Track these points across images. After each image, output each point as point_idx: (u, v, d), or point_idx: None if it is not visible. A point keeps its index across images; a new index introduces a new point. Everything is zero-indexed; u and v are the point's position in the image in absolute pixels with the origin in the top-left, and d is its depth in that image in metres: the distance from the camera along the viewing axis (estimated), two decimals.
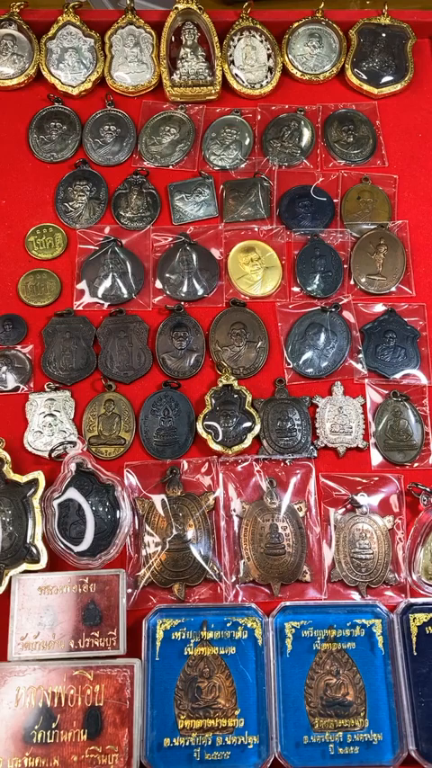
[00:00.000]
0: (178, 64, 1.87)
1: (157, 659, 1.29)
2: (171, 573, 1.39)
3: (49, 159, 1.82)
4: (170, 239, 1.72)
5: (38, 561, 1.35)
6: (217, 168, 1.82)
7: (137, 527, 1.43)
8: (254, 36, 1.91)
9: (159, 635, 1.30)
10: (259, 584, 1.40)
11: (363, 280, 1.68)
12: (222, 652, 1.29)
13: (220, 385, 1.54)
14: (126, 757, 1.20)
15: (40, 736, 1.21)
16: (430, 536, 1.40)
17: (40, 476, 1.40)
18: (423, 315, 1.65)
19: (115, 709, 1.22)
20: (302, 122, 1.85)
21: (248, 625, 1.31)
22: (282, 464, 1.49)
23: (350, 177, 1.80)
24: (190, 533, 1.41)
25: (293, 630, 1.31)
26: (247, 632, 1.31)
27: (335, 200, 1.76)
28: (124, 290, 1.66)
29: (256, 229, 1.73)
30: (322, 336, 1.61)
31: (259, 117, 1.86)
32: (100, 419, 1.54)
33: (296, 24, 1.91)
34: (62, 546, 1.37)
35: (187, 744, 1.24)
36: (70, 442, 1.46)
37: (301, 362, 1.60)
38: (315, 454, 1.51)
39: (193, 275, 1.67)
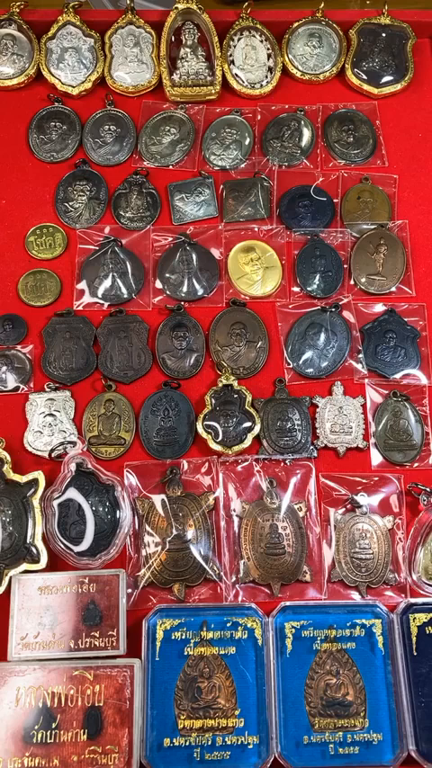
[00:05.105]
0: (178, 64, 1.87)
1: (157, 659, 1.29)
2: (171, 573, 1.39)
3: (49, 159, 1.82)
4: (170, 239, 1.72)
5: (38, 561, 1.35)
6: (217, 168, 1.82)
7: (137, 527, 1.43)
8: (254, 36, 1.91)
9: (159, 635, 1.30)
10: (259, 585, 1.40)
11: (363, 280, 1.67)
12: (222, 652, 1.29)
13: (220, 385, 1.54)
14: (126, 757, 1.20)
15: (40, 736, 1.21)
16: (430, 536, 1.40)
17: (40, 476, 1.41)
18: (423, 315, 1.65)
19: (115, 709, 1.22)
20: (302, 122, 1.85)
21: (248, 625, 1.31)
22: (282, 464, 1.49)
23: (350, 177, 1.80)
24: (190, 533, 1.41)
25: (293, 630, 1.31)
26: (247, 632, 1.31)
27: (335, 200, 1.76)
28: (124, 290, 1.66)
29: (256, 229, 1.73)
30: (322, 336, 1.61)
31: (259, 117, 1.86)
32: (100, 419, 1.54)
33: (296, 24, 1.91)
34: (62, 546, 1.37)
35: (187, 744, 1.24)
36: (70, 442, 1.46)
37: (301, 362, 1.60)
38: (315, 454, 1.51)
39: (193, 275, 1.67)
